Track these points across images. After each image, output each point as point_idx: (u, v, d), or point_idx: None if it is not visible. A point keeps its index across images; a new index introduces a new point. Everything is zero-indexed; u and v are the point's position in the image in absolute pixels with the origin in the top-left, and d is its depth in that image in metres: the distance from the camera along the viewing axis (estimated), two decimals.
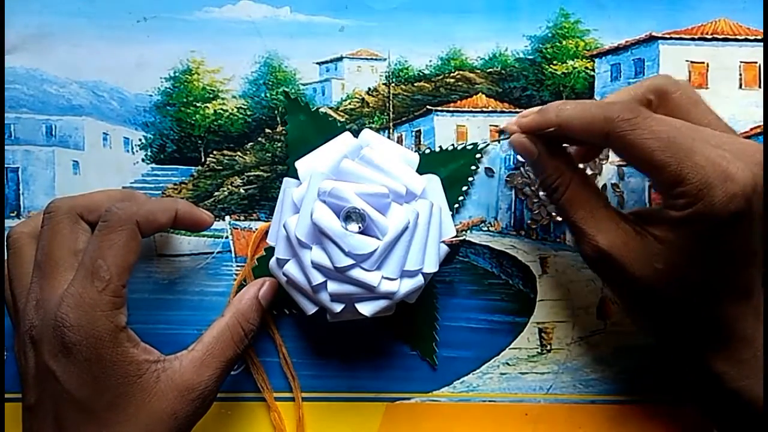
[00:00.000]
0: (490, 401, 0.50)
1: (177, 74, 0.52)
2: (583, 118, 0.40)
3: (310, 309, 0.45)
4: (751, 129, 0.51)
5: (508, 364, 0.50)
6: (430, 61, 0.52)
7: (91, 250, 0.40)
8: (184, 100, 0.52)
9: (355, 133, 0.47)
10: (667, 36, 0.51)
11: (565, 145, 0.44)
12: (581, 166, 0.45)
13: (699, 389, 0.42)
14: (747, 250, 0.39)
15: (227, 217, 0.52)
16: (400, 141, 0.52)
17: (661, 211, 0.39)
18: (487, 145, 0.51)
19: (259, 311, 0.46)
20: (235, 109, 0.52)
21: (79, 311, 0.39)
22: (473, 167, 0.51)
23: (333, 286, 0.43)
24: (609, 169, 0.51)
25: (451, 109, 0.52)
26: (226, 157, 0.52)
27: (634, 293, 0.41)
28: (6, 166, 0.51)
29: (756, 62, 0.51)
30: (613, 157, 0.51)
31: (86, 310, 0.39)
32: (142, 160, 0.52)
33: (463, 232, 0.51)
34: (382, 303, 0.43)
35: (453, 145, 0.51)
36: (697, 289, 0.39)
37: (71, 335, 0.38)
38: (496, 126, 0.52)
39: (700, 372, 0.41)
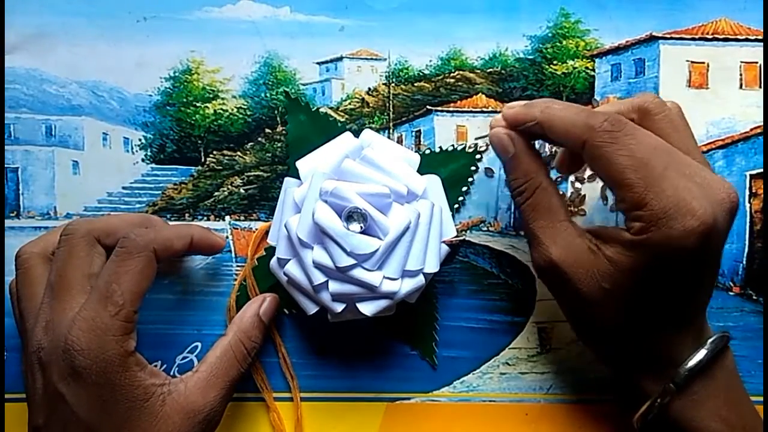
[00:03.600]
0: (490, 401, 0.50)
1: (177, 74, 0.52)
2: (566, 120, 0.40)
3: (311, 309, 0.45)
4: (751, 129, 0.51)
5: (508, 363, 0.50)
6: (430, 61, 0.52)
7: (107, 275, 0.40)
8: (184, 100, 0.52)
9: (356, 133, 0.47)
10: (668, 36, 0.51)
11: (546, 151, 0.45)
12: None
13: (633, 405, 0.42)
14: (695, 283, 0.40)
15: (227, 217, 0.52)
16: (400, 141, 0.52)
17: (618, 232, 0.39)
18: (478, 140, 0.51)
19: (261, 328, 0.46)
20: (235, 109, 0.52)
21: (91, 335, 0.39)
22: (473, 167, 0.51)
23: (334, 286, 0.43)
24: None
25: (451, 109, 0.52)
26: (226, 157, 0.52)
27: (579, 309, 0.42)
28: (5, 166, 0.51)
29: (756, 62, 0.51)
30: None
31: (98, 335, 0.39)
32: (142, 160, 0.52)
33: (463, 232, 0.51)
34: (383, 303, 0.43)
35: (453, 145, 0.51)
36: (639, 313, 0.40)
37: (81, 359, 0.38)
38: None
39: (633, 390, 0.42)
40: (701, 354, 0.40)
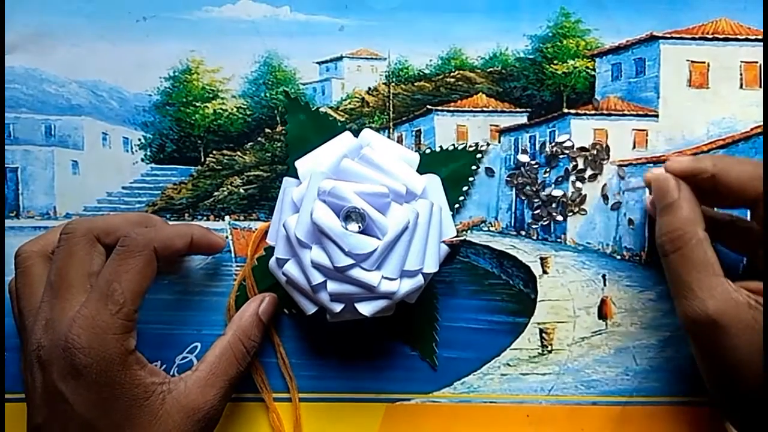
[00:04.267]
0: (490, 402, 0.50)
1: (176, 74, 0.52)
2: (742, 174, 0.40)
3: (310, 309, 0.45)
4: (752, 129, 0.51)
5: (508, 364, 0.50)
6: (430, 60, 0.52)
7: (107, 273, 0.40)
8: (184, 99, 0.52)
9: (355, 133, 0.47)
10: (668, 36, 0.51)
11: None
12: None
13: None
14: None
15: (227, 217, 0.52)
16: (400, 141, 0.52)
17: None
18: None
19: (260, 328, 0.46)
20: (235, 109, 0.52)
21: (91, 333, 0.39)
22: (473, 167, 0.51)
23: (333, 286, 0.43)
24: (609, 169, 0.51)
25: (451, 108, 0.52)
26: (226, 157, 0.52)
27: (731, 368, 0.40)
28: (5, 165, 0.51)
29: (756, 62, 0.51)
30: (613, 156, 0.51)
31: (98, 333, 0.39)
32: (142, 159, 0.52)
33: (464, 232, 0.51)
34: (381, 303, 0.43)
35: (453, 144, 0.51)
36: None
37: (82, 357, 0.39)
38: (497, 126, 0.52)
39: None
40: None
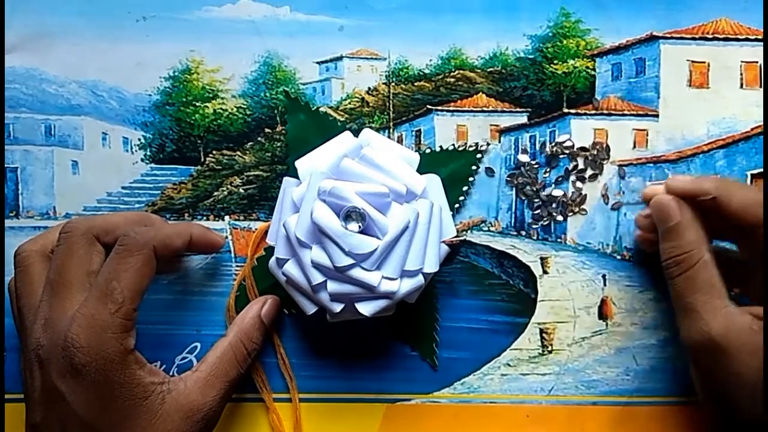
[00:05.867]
0: (490, 402, 0.50)
1: (176, 74, 0.52)
2: (746, 198, 0.40)
3: (310, 309, 0.45)
4: (752, 128, 0.51)
5: (509, 365, 0.50)
6: (430, 60, 0.52)
7: (107, 272, 0.40)
8: (184, 99, 0.52)
9: (355, 133, 0.47)
10: (668, 35, 0.51)
11: None
12: None
13: None
14: None
15: (227, 217, 0.52)
16: (400, 141, 0.52)
17: None
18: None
19: (261, 330, 0.47)
20: (235, 109, 0.52)
21: (90, 332, 0.39)
22: (474, 167, 0.51)
23: (333, 286, 0.42)
24: (609, 169, 0.51)
25: (451, 108, 0.52)
26: (226, 157, 0.52)
27: (732, 392, 0.40)
28: (5, 165, 0.51)
29: (756, 62, 0.51)
30: (613, 156, 0.51)
31: (97, 332, 0.39)
32: (142, 159, 0.52)
33: (464, 232, 0.51)
34: (382, 303, 0.43)
35: (453, 144, 0.51)
36: None
37: (81, 356, 0.38)
38: (497, 126, 0.52)
39: None
40: None
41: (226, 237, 0.51)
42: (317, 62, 0.52)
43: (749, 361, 0.38)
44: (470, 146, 0.51)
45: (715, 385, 0.41)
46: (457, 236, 0.47)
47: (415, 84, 0.52)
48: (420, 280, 0.44)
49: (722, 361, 0.39)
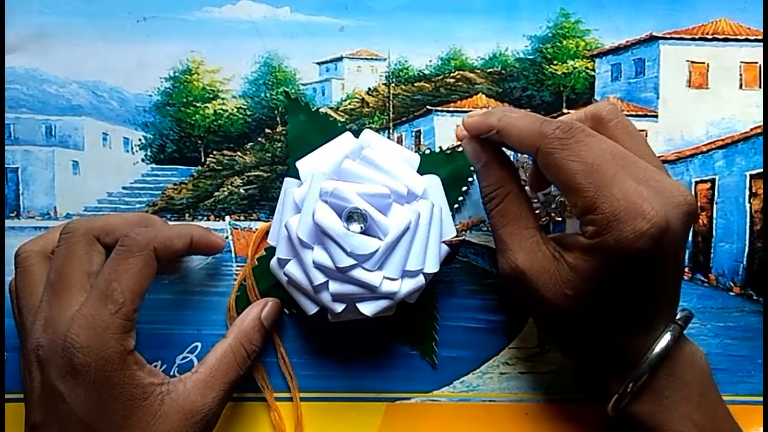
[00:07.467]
0: (490, 401, 0.50)
1: (177, 74, 0.52)
2: (521, 128, 0.41)
3: (312, 309, 0.45)
4: (751, 129, 0.51)
5: (507, 363, 0.50)
6: (430, 61, 0.52)
7: (107, 273, 0.40)
8: (184, 100, 0.52)
9: (356, 133, 0.47)
10: (668, 36, 0.51)
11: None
12: None
13: (603, 409, 0.42)
14: (652, 287, 0.40)
15: (227, 217, 0.52)
16: (400, 141, 0.52)
17: (576, 238, 0.40)
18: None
19: (261, 332, 0.47)
20: (235, 109, 0.52)
21: (90, 333, 0.39)
22: (473, 167, 0.51)
23: (334, 286, 0.43)
24: None
25: (451, 109, 0.52)
26: (226, 157, 0.52)
27: (544, 315, 0.42)
28: (5, 166, 0.51)
29: (756, 62, 0.51)
30: None
31: (97, 332, 0.39)
32: (142, 160, 0.52)
33: (463, 232, 0.51)
34: (383, 303, 0.43)
35: (453, 145, 0.51)
36: (600, 317, 0.40)
37: (81, 357, 0.39)
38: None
39: (602, 392, 0.42)
40: (660, 344, 0.40)
41: (227, 237, 0.51)
42: (317, 63, 0.52)
43: (551, 287, 0.40)
44: None
45: (531, 310, 0.45)
46: (456, 236, 0.47)
47: (415, 84, 0.52)
48: (421, 280, 0.44)
49: (528, 289, 0.41)
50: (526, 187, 0.47)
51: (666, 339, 0.40)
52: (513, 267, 0.42)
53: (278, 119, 0.52)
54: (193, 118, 0.52)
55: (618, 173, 0.38)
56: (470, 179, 0.51)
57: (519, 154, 0.49)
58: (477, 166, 0.45)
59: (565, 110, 0.52)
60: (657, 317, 0.41)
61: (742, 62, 0.51)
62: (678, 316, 0.41)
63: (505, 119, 0.42)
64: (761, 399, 0.50)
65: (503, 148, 0.45)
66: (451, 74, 0.52)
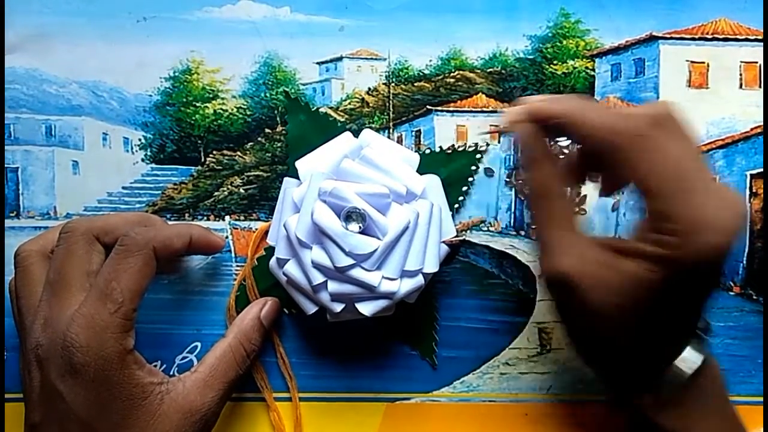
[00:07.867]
0: (490, 401, 0.50)
1: (177, 74, 0.52)
2: (597, 120, 0.38)
3: (310, 309, 0.45)
4: (752, 129, 0.51)
5: (508, 364, 0.50)
6: (430, 61, 0.52)
7: (106, 273, 0.40)
8: (184, 100, 0.52)
9: (355, 133, 0.47)
10: (668, 36, 0.51)
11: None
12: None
13: (628, 423, 0.41)
14: (706, 298, 0.38)
15: (227, 217, 0.52)
16: (400, 141, 0.52)
17: (639, 246, 0.36)
18: (483, 135, 0.51)
19: (261, 332, 0.47)
20: (235, 109, 0.52)
21: (90, 332, 0.39)
22: (473, 167, 0.51)
23: (333, 286, 0.43)
24: None
25: (451, 109, 0.52)
26: (226, 157, 0.52)
27: (583, 323, 0.40)
28: (5, 166, 0.51)
29: (756, 62, 0.51)
30: None
31: (96, 332, 0.39)
32: (142, 160, 0.52)
33: (463, 232, 0.51)
34: (382, 303, 0.43)
35: (453, 145, 0.51)
36: (648, 330, 0.38)
37: (80, 356, 0.39)
38: (497, 126, 0.52)
39: (624, 401, 0.41)
40: (694, 356, 0.38)
41: (227, 237, 0.51)
42: (317, 63, 0.52)
43: (597, 294, 0.37)
44: (470, 147, 0.51)
45: (571, 317, 0.41)
46: (456, 236, 0.47)
47: (415, 84, 0.52)
48: (420, 280, 0.44)
49: (572, 294, 0.38)
50: None
51: (698, 351, 0.38)
52: (559, 271, 0.38)
53: (278, 119, 0.52)
54: (193, 118, 0.52)
55: (697, 180, 0.35)
56: (470, 179, 0.51)
57: (553, 141, 0.47)
58: (524, 156, 0.41)
59: None
60: (693, 328, 0.39)
61: (742, 62, 0.51)
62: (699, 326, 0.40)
63: (576, 110, 0.38)
64: (761, 399, 0.49)
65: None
66: (451, 74, 0.52)
